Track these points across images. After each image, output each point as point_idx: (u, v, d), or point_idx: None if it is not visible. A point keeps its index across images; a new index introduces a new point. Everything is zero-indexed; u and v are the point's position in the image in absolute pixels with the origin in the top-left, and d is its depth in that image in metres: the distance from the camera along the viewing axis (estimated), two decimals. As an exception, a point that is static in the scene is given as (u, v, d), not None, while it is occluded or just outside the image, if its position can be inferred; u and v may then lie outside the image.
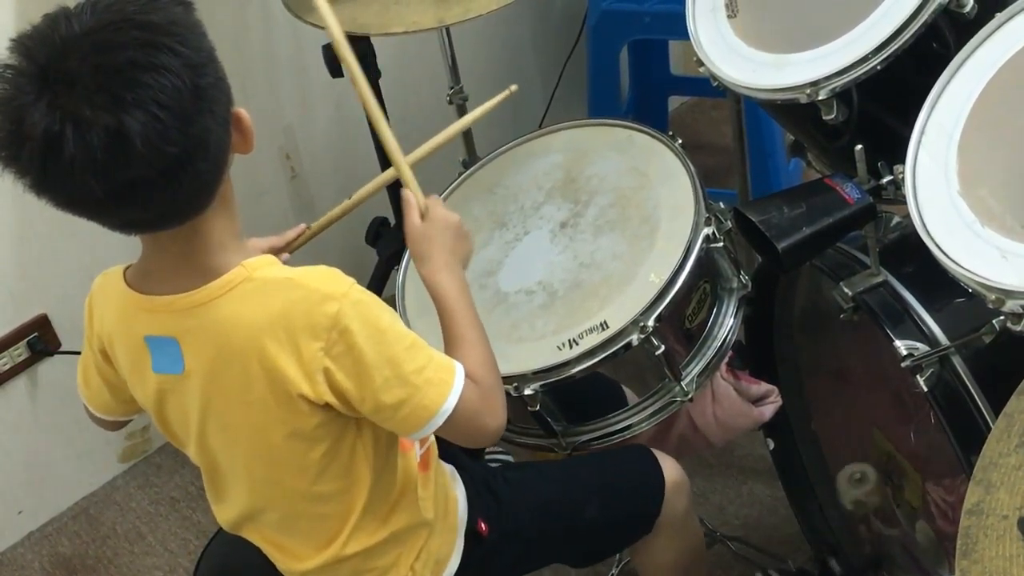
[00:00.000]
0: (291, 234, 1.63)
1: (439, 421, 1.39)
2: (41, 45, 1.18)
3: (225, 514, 1.55)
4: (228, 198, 1.35)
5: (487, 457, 2.31)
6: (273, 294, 1.34)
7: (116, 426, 1.63)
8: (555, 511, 1.69)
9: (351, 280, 1.37)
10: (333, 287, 1.34)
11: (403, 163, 1.60)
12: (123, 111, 1.15)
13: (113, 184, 1.19)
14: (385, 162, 2.40)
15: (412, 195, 1.58)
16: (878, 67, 1.51)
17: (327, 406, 1.37)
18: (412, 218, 1.57)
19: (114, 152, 1.16)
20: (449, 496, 1.61)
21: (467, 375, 1.42)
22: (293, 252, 1.64)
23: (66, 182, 1.19)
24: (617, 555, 2.12)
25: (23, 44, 1.19)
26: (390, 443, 1.50)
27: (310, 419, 1.38)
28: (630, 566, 2.11)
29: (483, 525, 1.62)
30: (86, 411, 1.60)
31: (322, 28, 2.05)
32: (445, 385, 1.39)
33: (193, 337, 1.35)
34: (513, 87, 1.73)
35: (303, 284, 1.34)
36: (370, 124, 1.64)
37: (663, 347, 1.65)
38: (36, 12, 1.22)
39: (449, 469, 1.65)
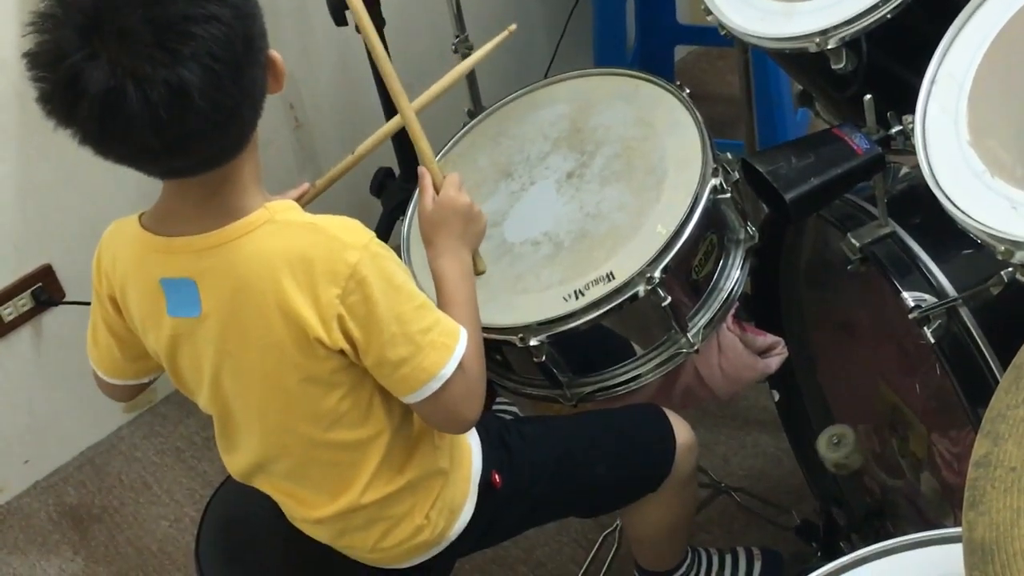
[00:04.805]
0: (294, 193, 1.62)
1: (435, 385, 1.40)
2: None
3: (236, 464, 1.55)
4: (255, 142, 1.35)
5: (495, 408, 2.31)
6: (295, 236, 1.35)
7: (126, 394, 1.62)
8: (568, 467, 1.69)
9: (371, 232, 1.37)
10: (355, 237, 1.35)
11: (413, 117, 1.59)
12: (181, 65, 1.16)
13: (170, 137, 1.20)
14: (390, 111, 2.39)
15: (427, 176, 1.58)
16: (888, 15, 1.49)
17: (342, 352, 1.37)
18: (424, 201, 1.58)
19: (174, 107, 1.17)
20: (463, 446, 1.61)
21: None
22: None
23: (124, 137, 1.20)
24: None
25: None
26: None
27: (326, 363, 1.38)
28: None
29: (497, 477, 1.63)
30: (95, 379, 1.59)
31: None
32: (447, 350, 1.40)
33: (211, 277, 1.35)
34: (512, 27, 1.72)
35: (325, 230, 1.35)
36: (375, 72, 1.62)
37: (669, 298, 1.64)
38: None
39: None
